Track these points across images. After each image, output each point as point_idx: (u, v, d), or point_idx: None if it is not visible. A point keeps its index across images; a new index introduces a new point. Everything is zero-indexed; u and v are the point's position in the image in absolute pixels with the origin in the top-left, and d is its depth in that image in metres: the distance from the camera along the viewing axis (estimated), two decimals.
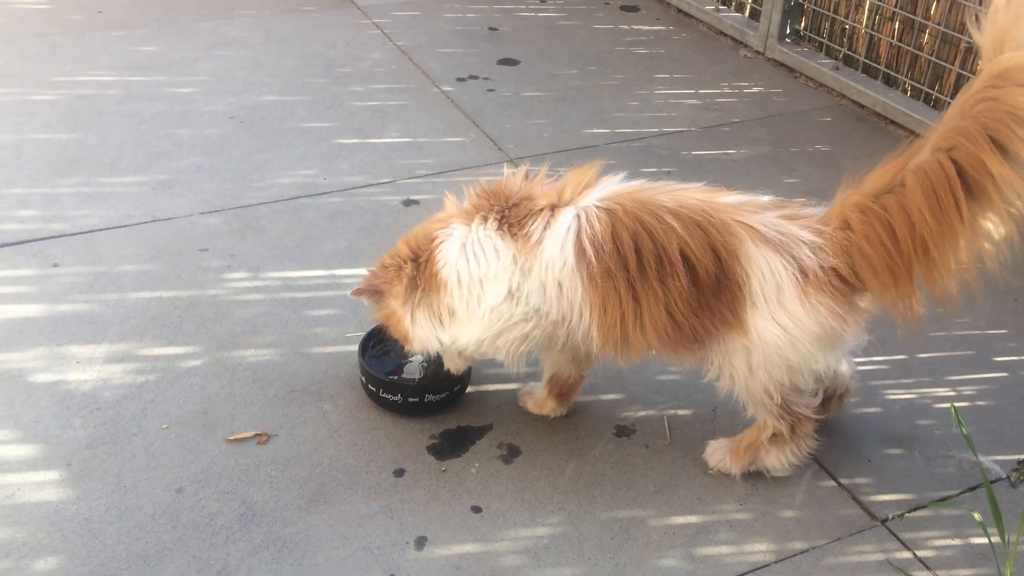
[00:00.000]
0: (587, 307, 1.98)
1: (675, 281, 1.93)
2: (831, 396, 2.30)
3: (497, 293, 2.00)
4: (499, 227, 2.01)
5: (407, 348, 2.20)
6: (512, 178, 2.07)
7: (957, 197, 1.79)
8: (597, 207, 1.97)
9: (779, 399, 2.08)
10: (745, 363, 2.03)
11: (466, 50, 4.48)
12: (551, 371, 2.34)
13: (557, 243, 1.96)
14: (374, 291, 2.17)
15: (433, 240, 2.07)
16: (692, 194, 2.03)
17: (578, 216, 1.96)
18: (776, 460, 2.22)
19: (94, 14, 4.65)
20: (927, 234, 1.84)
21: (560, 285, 1.97)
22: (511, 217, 2.01)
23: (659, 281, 1.94)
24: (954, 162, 1.78)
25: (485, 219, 2.02)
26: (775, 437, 2.19)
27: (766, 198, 2.09)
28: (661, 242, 1.93)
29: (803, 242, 1.96)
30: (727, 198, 2.05)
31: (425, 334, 2.12)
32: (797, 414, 2.15)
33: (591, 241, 1.94)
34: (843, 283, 1.96)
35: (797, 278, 1.94)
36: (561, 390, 2.36)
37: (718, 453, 2.28)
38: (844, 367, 2.28)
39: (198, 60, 4.24)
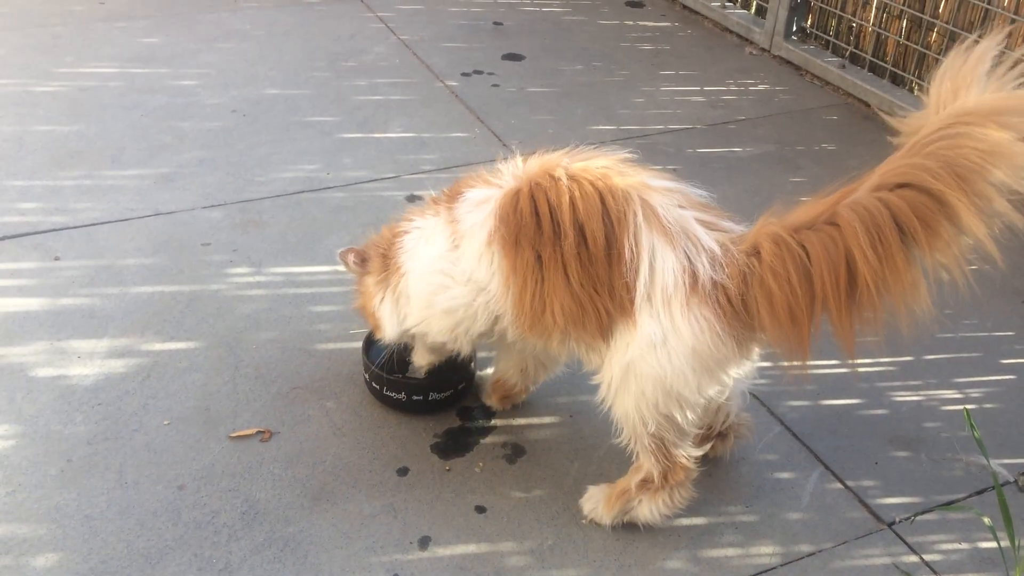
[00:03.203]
0: (501, 276, 1.94)
1: (566, 240, 1.85)
2: (710, 434, 2.18)
3: (434, 257, 2.04)
4: (442, 217, 2.04)
5: (377, 334, 2.25)
6: (473, 175, 2.08)
7: (908, 232, 1.69)
8: (511, 182, 1.94)
9: (652, 427, 1.93)
10: (620, 366, 1.90)
11: (470, 45, 4.45)
12: (498, 374, 2.39)
13: (479, 220, 1.95)
14: (361, 256, 2.22)
15: (398, 233, 2.15)
16: (604, 163, 1.94)
17: (496, 195, 1.95)
18: (647, 511, 2.06)
19: (96, 5, 4.62)
20: (869, 274, 1.71)
21: (480, 257, 1.95)
22: (454, 207, 2.03)
23: (554, 241, 1.86)
24: (902, 199, 1.68)
25: (436, 213, 2.07)
26: (644, 483, 2.05)
27: (695, 193, 1.96)
28: (554, 202, 1.86)
29: (704, 249, 1.84)
30: (653, 180, 1.93)
31: (387, 316, 2.17)
32: (673, 460, 2.01)
33: (499, 210, 1.91)
34: (730, 306, 1.83)
35: (686, 283, 1.83)
36: (504, 393, 2.40)
37: (592, 500, 2.13)
38: (731, 404, 2.16)
39: (200, 52, 4.21)
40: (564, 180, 1.88)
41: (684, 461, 2.03)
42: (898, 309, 1.75)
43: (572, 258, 1.85)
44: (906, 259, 1.71)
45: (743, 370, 2.01)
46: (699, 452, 2.05)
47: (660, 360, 1.86)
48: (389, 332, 2.19)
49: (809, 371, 1.86)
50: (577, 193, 1.86)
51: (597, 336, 1.93)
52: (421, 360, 2.34)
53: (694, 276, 1.83)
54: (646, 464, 2.03)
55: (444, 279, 2.03)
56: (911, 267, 1.72)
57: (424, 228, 2.09)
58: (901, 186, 1.69)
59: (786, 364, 1.89)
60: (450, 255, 2.01)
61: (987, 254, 1.67)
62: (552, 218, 1.86)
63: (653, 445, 1.98)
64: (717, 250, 1.85)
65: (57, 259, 2.87)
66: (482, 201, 1.97)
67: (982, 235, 1.66)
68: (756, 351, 1.98)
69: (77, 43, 4.23)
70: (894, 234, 1.69)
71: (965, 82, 1.67)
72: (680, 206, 1.90)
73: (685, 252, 1.84)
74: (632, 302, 1.86)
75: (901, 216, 1.68)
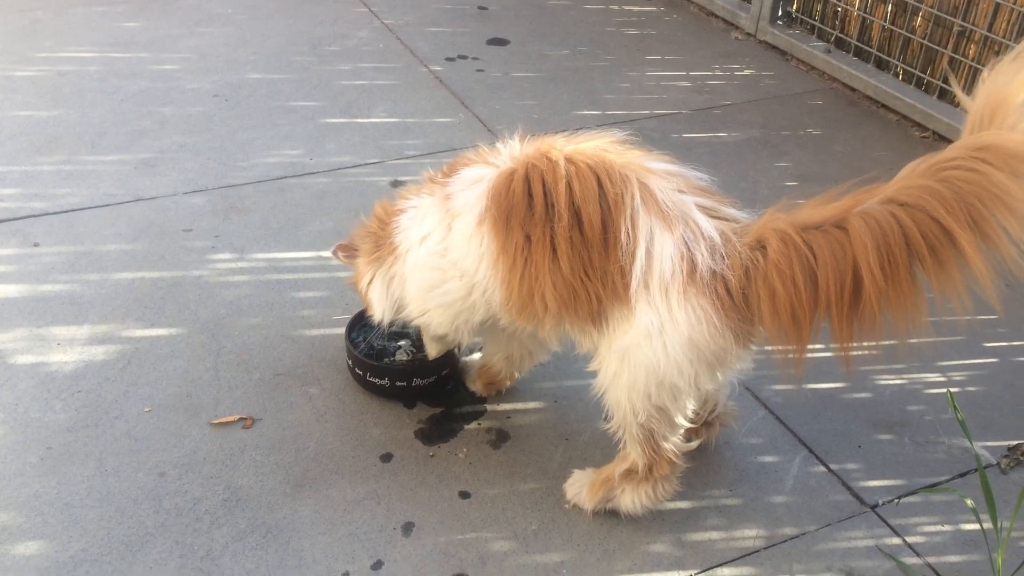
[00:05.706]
0: (490, 258, 1.90)
1: (559, 222, 1.80)
2: (697, 423, 2.14)
3: (427, 251, 2.00)
4: (437, 196, 2.00)
5: (368, 312, 2.23)
6: (472, 153, 2.04)
7: (916, 256, 1.65)
8: (508, 162, 1.90)
9: (643, 417, 1.90)
10: (616, 353, 1.86)
11: (455, 29, 4.42)
12: (484, 360, 2.38)
13: (471, 199, 1.91)
14: (348, 248, 2.21)
15: (394, 213, 2.11)
16: (601, 144, 1.89)
17: (491, 175, 1.91)
18: (630, 501, 2.05)
19: None
20: (874, 292, 1.68)
21: (470, 237, 1.91)
22: (449, 185, 1.99)
23: (544, 222, 1.82)
24: (915, 221, 1.63)
25: (432, 193, 2.03)
26: (629, 473, 2.03)
27: (695, 177, 1.91)
28: (550, 183, 1.82)
29: (703, 237, 1.79)
30: (652, 163, 1.89)
31: (376, 297, 2.15)
32: (660, 453, 1.98)
33: (492, 191, 1.87)
34: (729, 298, 1.78)
35: (683, 270, 1.77)
36: (489, 379, 2.40)
37: (576, 485, 2.13)
38: (719, 393, 2.15)
39: (182, 37, 4.17)
40: (561, 162, 1.83)
41: (671, 456, 2.00)
42: (899, 324, 1.73)
43: (563, 240, 1.81)
44: (912, 281, 1.68)
45: (740, 363, 1.96)
46: (688, 447, 2.04)
47: (655, 349, 1.81)
48: (379, 312, 2.16)
49: (800, 362, 1.82)
50: (574, 174, 1.82)
51: (588, 322, 1.89)
52: (431, 350, 2.33)
53: (692, 264, 1.78)
54: (632, 454, 2.01)
55: (438, 274, 1.99)
56: (916, 288, 1.69)
57: (420, 207, 2.04)
58: (914, 207, 1.64)
59: (778, 356, 1.85)
60: (442, 245, 1.97)
61: (985, 292, 1.64)
62: (545, 200, 1.82)
63: (641, 436, 1.96)
64: (717, 239, 1.79)
65: (37, 245, 2.84)
66: (476, 180, 1.93)
67: (986, 280, 1.63)
68: (753, 345, 1.93)
69: (56, 27, 4.18)
70: (904, 256, 1.65)
71: (1005, 105, 1.58)
72: (680, 190, 1.85)
73: (684, 238, 1.78)
74: (627, 287, 1.81)
75: (912, 239, 1.64)
